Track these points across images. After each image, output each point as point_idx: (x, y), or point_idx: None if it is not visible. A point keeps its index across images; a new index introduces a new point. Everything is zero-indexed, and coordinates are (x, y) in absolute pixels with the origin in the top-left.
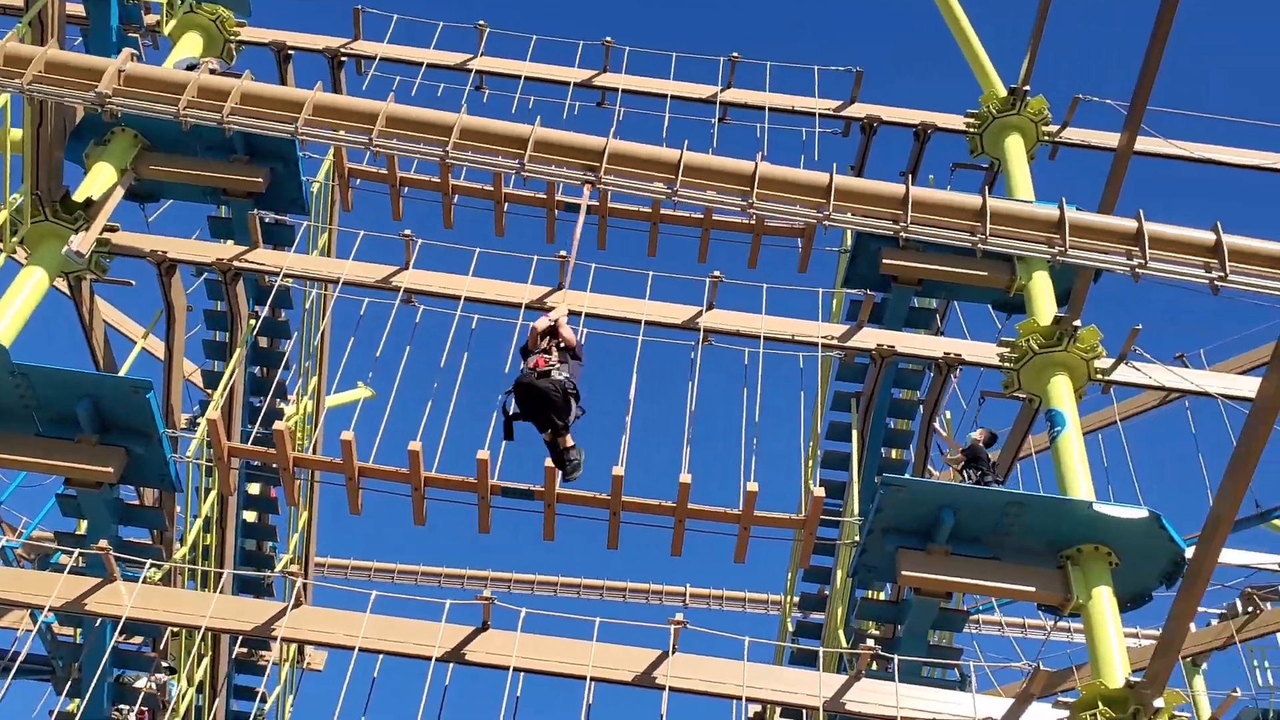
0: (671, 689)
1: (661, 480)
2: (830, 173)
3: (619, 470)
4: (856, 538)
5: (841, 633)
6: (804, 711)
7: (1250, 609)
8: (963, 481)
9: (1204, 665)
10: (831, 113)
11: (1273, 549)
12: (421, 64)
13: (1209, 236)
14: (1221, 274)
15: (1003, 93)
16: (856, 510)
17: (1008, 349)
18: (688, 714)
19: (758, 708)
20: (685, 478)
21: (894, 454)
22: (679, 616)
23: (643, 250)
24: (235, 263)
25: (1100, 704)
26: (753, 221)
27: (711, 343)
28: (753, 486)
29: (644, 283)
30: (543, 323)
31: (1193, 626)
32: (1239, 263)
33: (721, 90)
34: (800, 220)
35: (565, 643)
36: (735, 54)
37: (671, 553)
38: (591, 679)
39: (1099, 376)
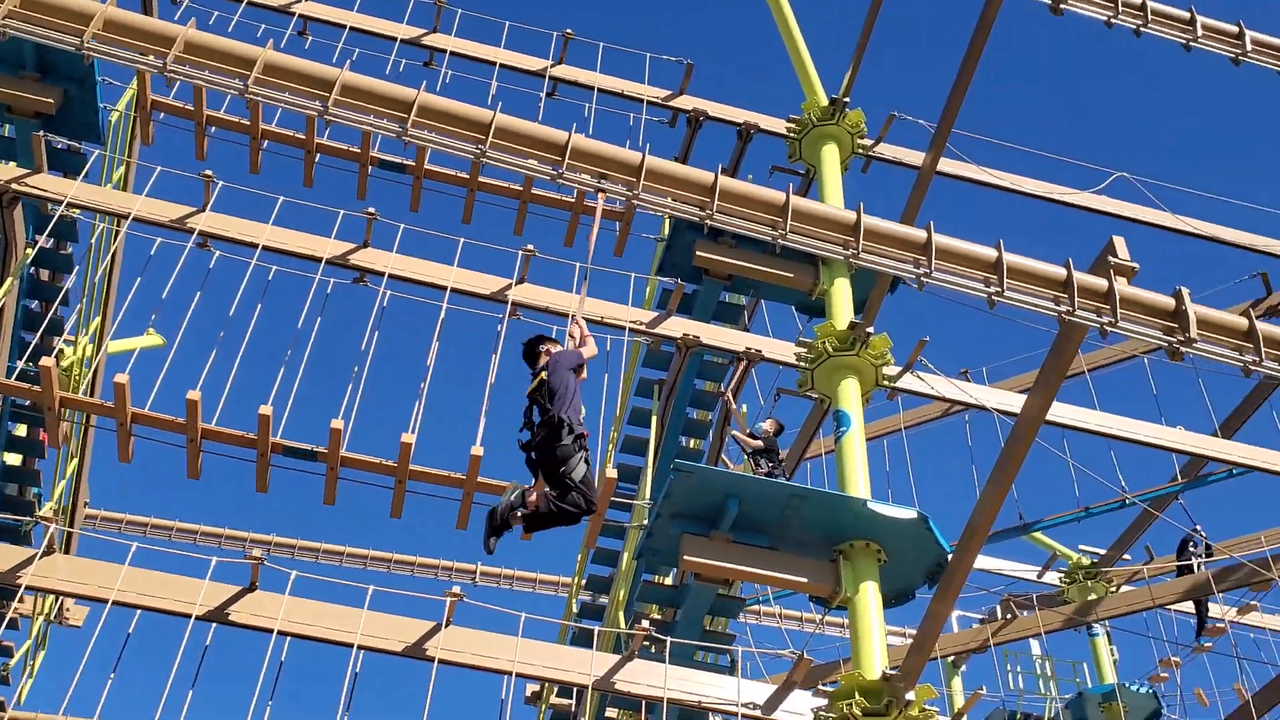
0: (442, 661)
1: (459, 452)
2: (644, 153)
3: (409, 437)
4: (646, 521)
5: (621, 614)
6: (579, 691)
7: (1008, 615)
8: (755, 471)
9: (963, 667)
10: (660, 102)
11: (1033, 560)
12: (242, 0)
13: (990, 253)
14: (999, 289)
15: (824, 102)
16: (649, 495)
17: (805, 349)
18: (467, 691)
19: (536, 686)
20: (409, 438)
21: (692, 443)
22: (456, 589)
23: (459, 217)
24: (14, 185)
25: (857, 694)
26: (571, 199)
27: (520, 317)
28: (477, 450)
29: (454, 249)
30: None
31: (956, 628)
32: (1016, 280)
33: (552, 65)
34: (611, 196)
35: (334, 609)
36: (569, 30)
37: (391, 514)
38: (359, 647)
39: (886, 382)
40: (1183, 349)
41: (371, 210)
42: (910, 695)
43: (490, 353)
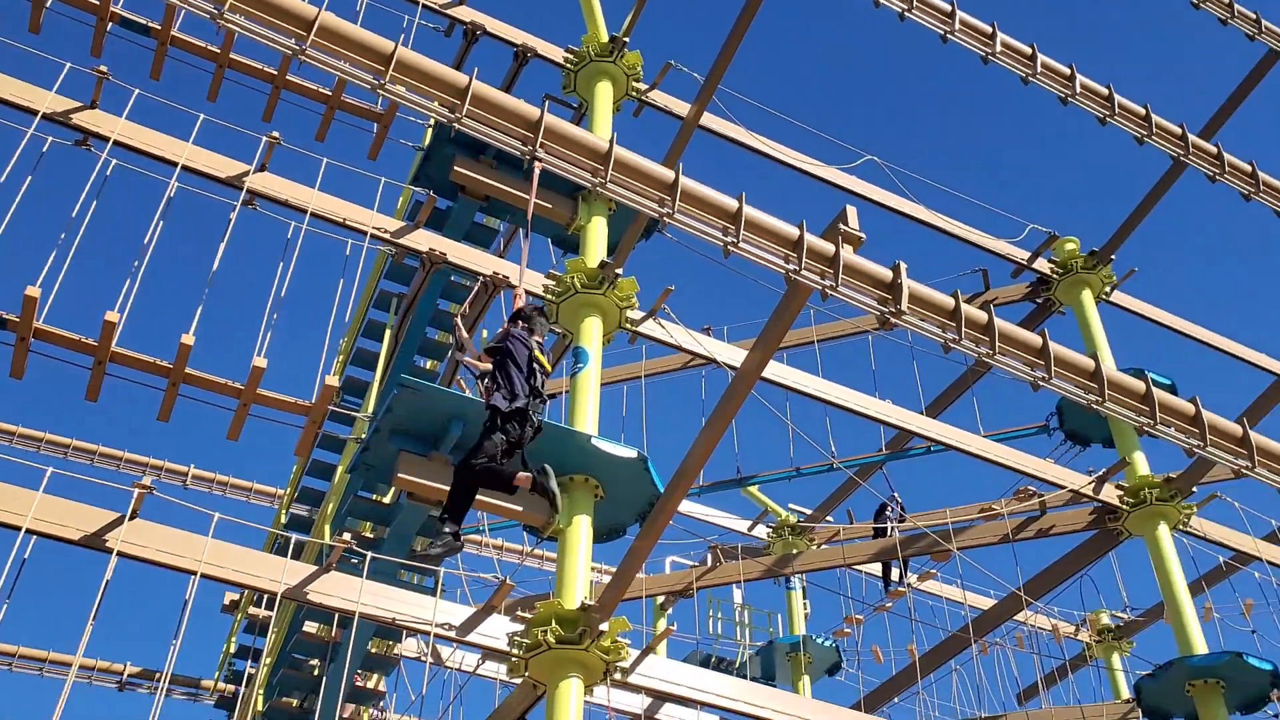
0: (121, 554)
1: (172, 336)
2: (396, 42)
3: (113, 316)
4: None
5: (328, 528)
6: (277, 601)
7: (715, 562)
8: (485, 395)
9: (670, 610)
10: (437, 7)
11: (748, 514)
12: None
13: (732, 203)
14: (735, 240)
15: (604, 39)
16: (373, 410)
17: (553, 282)
18: (155, 591)
19: (235, 595)
20: (188, 339)
21: (429, 364)
22: (146, 480)
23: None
24: None
25: (554, 622)
26: (329, 91)
27: (256, 206)
28: (260, 362)
29: (193, 124)
30: None
31: (669, 571)
32: (752, 234)
33: None
34: (353, 80)
35: (4, 488)
36: None
37: (159, 417)
38: (28, 530)
39: (628, 325)
40: (893, 319)
41: (103, 69)
42: (604, 626)
43: (217, 241)
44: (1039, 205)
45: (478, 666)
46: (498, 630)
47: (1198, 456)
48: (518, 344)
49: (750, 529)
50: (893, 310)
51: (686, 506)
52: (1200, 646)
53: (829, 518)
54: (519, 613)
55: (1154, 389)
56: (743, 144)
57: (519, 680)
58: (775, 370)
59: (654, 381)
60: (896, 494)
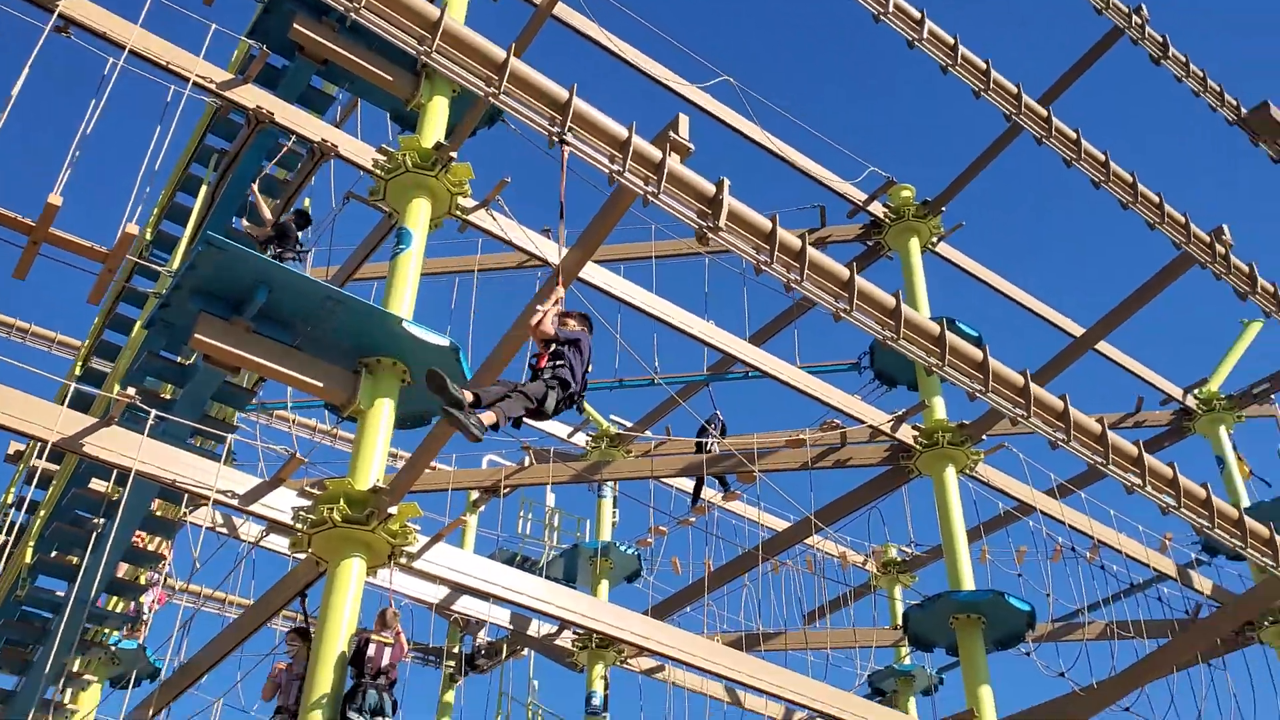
0: None
1: None
2: None
3: None
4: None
5: (118, 383)
6: (58, 452)
7: (528, 464)
8: (264, 255)
9: (483, 507)
10: None
11: (571, 420)
12: None
13: (562, 93)
14: (562, 131)
15: None
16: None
17: (385, 158)
18: None
19: (21, 445)
20: None
21: (246, 224)
22: None
23: None
24: None
25: (342, 500)
26: None
27: (69, 35)
28: (55, 199)
29: None
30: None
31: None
32: (581, 128)
33: None
34: None
35: None
36: None
37: None
38: None
39: (459, 213)
40: (710, 234)
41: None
42: (393, 509)
43: (17, 69)
44: (882, 150)
45: (260, 539)
46: (284, 504)
47: (989, 407)
48: (585, 343)
49: (570, 436)
50: (711, 225)
51: None
52: (970, 585)
53: (648, 432)
54: (306, 488)
55: (946, 332)
56: (598, 42)
57: (302, 556)
58: (606, 279)
59: (489, 281)
60: (719, 412)
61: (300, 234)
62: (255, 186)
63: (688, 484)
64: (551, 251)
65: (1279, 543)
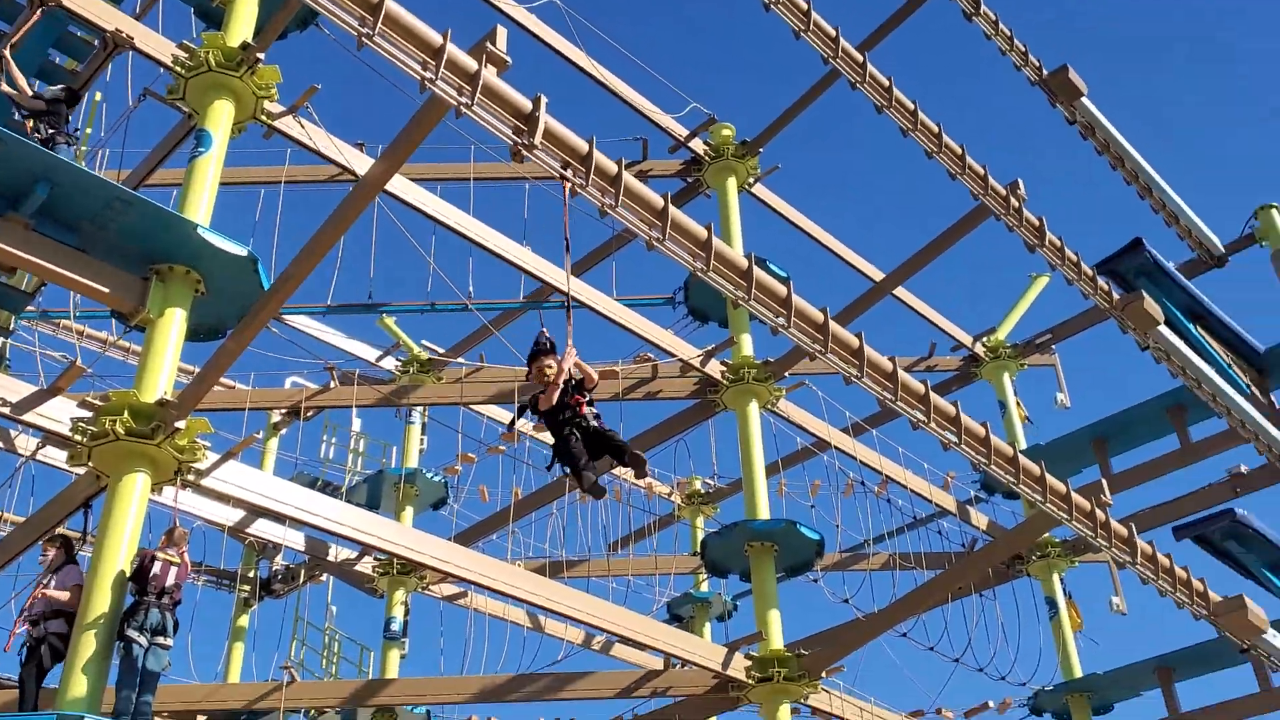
0: None
1: None
2: None
3: None
4: None
5: None
6: None
7: (332, 386)
8: (33, 133)
9: (284, 430)
10: None
11: (381, 343)
12: None
13: None
14: (371, 31)
15: None
16: None
17: (186, 55)
18: None
19: None
20: None
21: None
22: None
23: None
24: None
25: (125, 412)
26: None
27: None
28: None
29: None
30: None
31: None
32: (393, 30)
33: None
34: None
35: None
36: None
37: None
38: None
39: (264, 117)
40: (524, 151)
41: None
42: (181, 423)
43: None
44: (707, 87)
45: (37, 451)
46: (61, 414)
47: (792, 346)
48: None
49: (379, 360)
50: (526, 143)
51: (314, 328)
52: (766, 515)
53: (461, 359)
54: (88, 399)
55: (754, 267)
56: None
57: (82, 470)
58: (421, 196)
59: (299, 195)
60: (546, 329)
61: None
62: (8, 56)
63: (499, 412)
64: (359, 162)
65: (1049, 481)
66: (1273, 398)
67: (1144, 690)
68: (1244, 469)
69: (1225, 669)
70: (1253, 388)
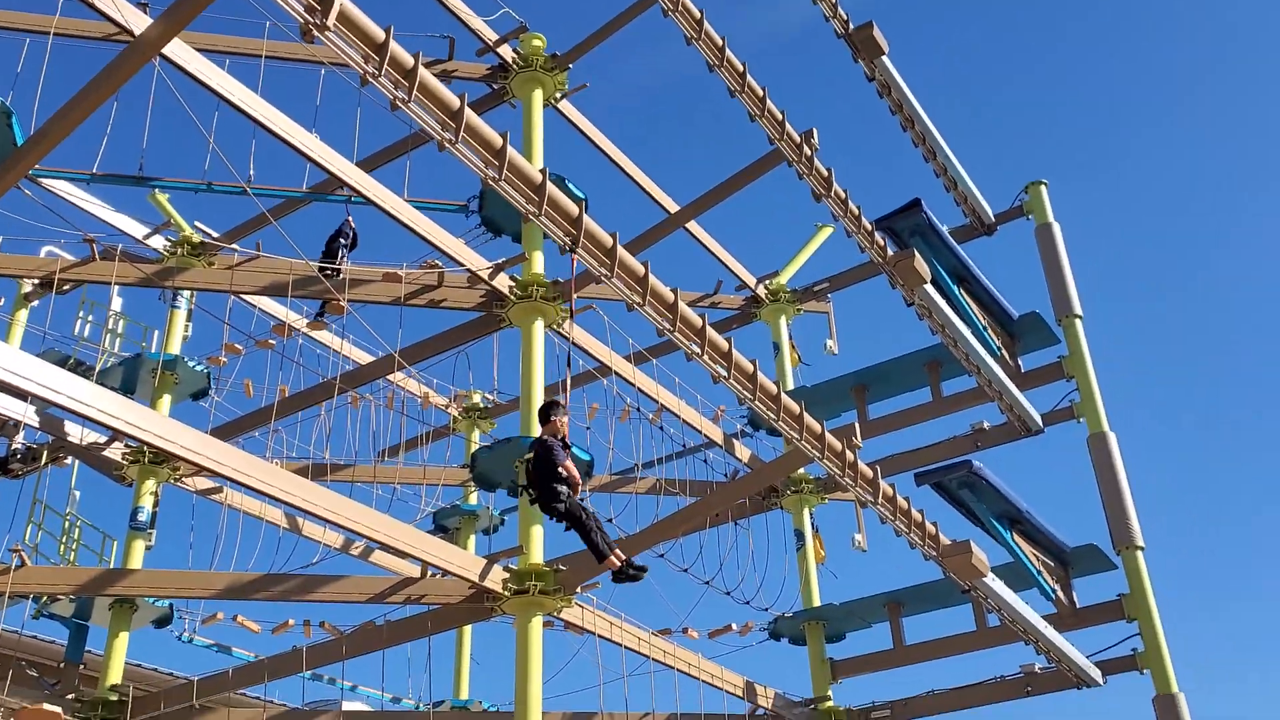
0: None
1: None
2: None
3: None
4: None
5: None
6: None
7: (92, 259)
8: None
9: (35, 302)
10: None
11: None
12: None
13: None
14: None
15: None
16: None
17: None
18: None
19: None
20: None
21: None
22: None
23: None
24: None
25: None
26: None
27: None
28: None
29: None
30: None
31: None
32: None
33: None
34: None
35: None
36: None
37: None
38: None
39: None
40: (315, 31)
41: None
42: None
43: None
44: None
45: None
46: None
47: (583, 269)
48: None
49: (146, 237)
50: (318, 23)
51: (77, 196)
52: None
53: (235, 245)
54: None
55: (548, 183)
56: None
57: None
58: (204, 68)
59: (73, 50)
60: (352, 219)
61: None
62: None
63: (271, 304)
64: (141, 26)
65: (806, 420)
66: (1020, 361)
67: (874, 622)
68: (986, 425)
69: (948, 608)
70: (1003, 350)
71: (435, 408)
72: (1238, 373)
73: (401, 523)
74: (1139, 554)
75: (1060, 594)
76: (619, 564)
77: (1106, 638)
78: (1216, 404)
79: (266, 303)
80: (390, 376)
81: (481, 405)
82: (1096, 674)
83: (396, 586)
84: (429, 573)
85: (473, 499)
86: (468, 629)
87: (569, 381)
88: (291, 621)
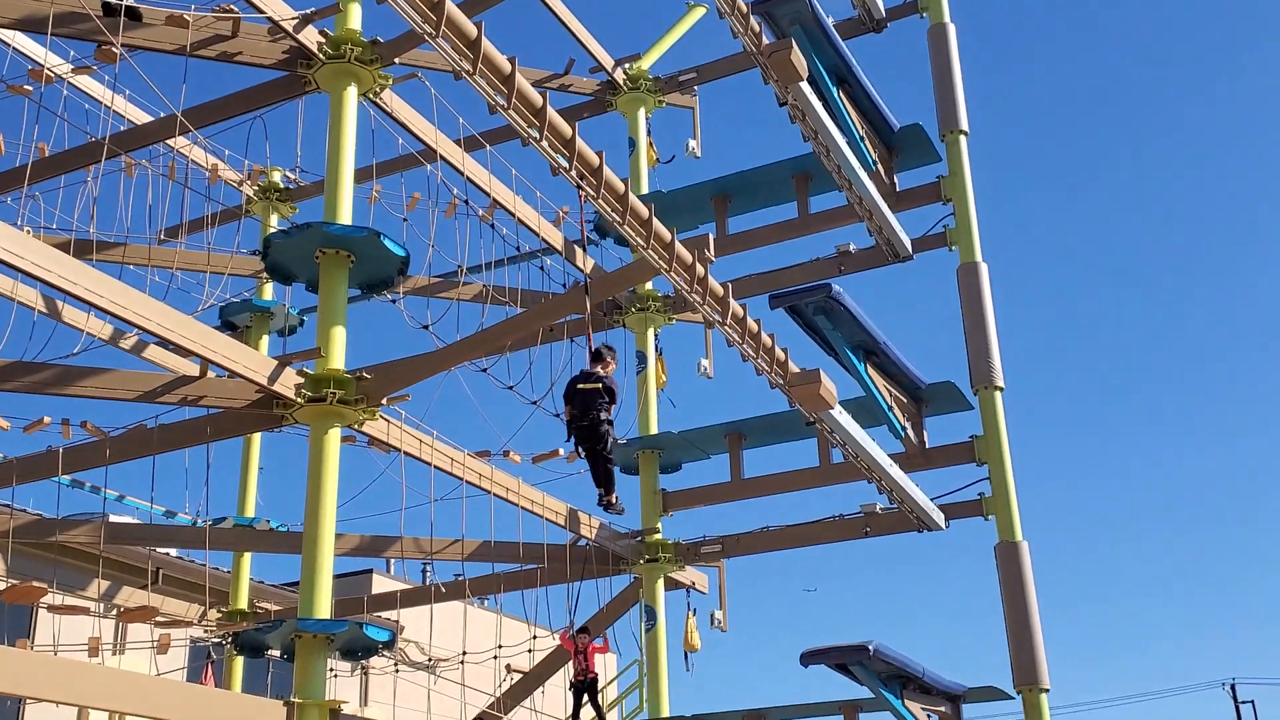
0: None
1: None
2: None
3: None
4: None
5: None
6: None
7: None
8: None
9: None
10: None
11: None
12: None
13: None
14: None
15: None
16: None
17: None
18: None
19: None
20: None
21: None
22: None
23: None
24: None
25: None
26: None
27: None
28: None
29: None
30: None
31: None
32: None
33: None
34: None
35: None
36: None
37: None
38: None
39: None
40: None
41: None
42: None
43: None
44: None
45: None
46: None
47: (408, 28)
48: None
49: None
50: None
51: None
52: (347, 221)
53: None
54: None
55: None
56: None
57: None
58: None
59: None
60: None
61: None
62: None
63: (28, 43)
64: None
65: (655, 226)
66: (896, 179)
67: (713, 454)
68: (852, 248)
69: (791, 441)
70: (879, 166)
71: (226, 184)
72: (1121, 213)
73: (180, 313)
74: (997, 395)
75: (910, 433)
76: (618, 508)
77: (955, 480)
78: (1088, 248)
79: (22, 40)
80: (173, 141)
81: (281, 185)
82: (939, 517)
83: (171, 385)
84: (210, 373)
85: (268, 294)
86: (256, 439)
87: (590, 324)
88: (47, 419)
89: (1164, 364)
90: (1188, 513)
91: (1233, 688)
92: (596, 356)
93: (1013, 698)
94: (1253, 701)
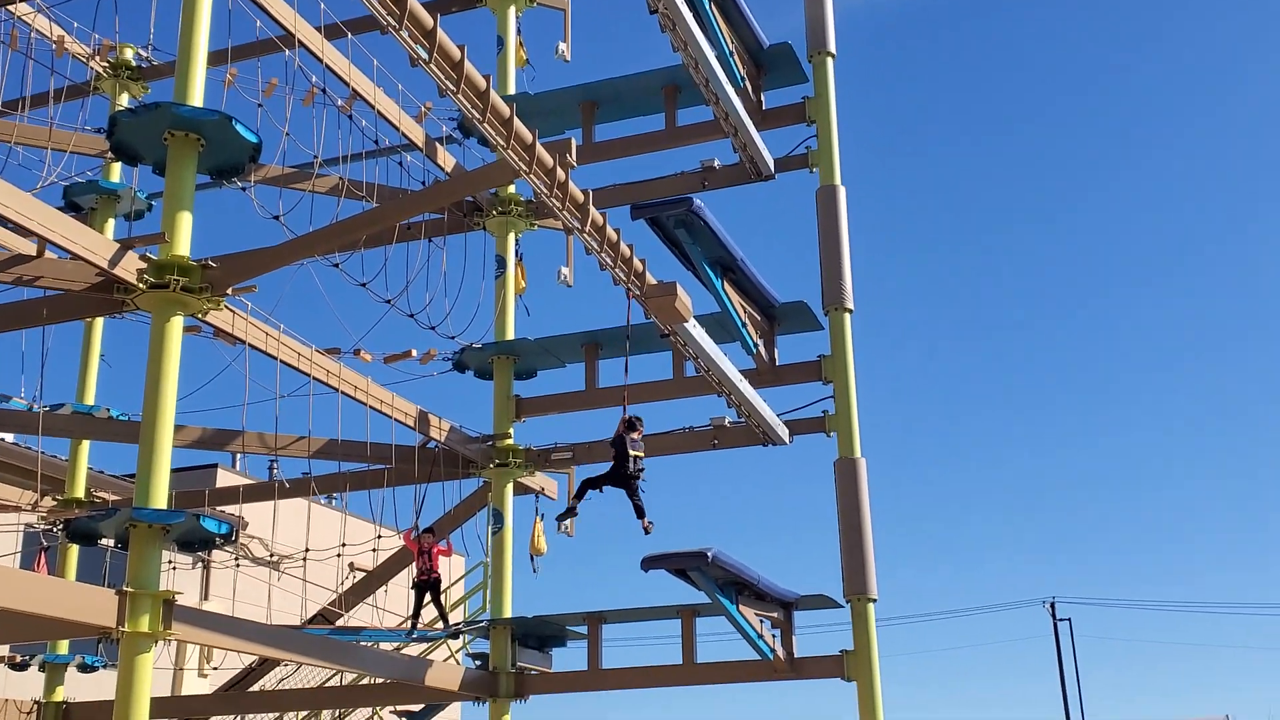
0: None
1: None
2: None
3: None
4: None
5: None
6: None
7: None
8: None
9: None
10: None
11: None
12: None
13: None
14: None
15: None
16: None
17: None
18: None
19: None
20: None
21: None
22: None
23: None
24: None
25: None
26: None
27: None
28: None
29: None
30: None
31: None
32: None
33: None
34: None
35: None
36: None
37: None
38: None
39: None
40: None
41: None
42: None
43: None
44: None
45: None
46: None
47: None
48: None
49: None
50: None
51: None
52: (199, 103)
53: None
54: None
55: None
56: None
57: None
58: None
59: None
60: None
61: None
62: None
63: None
64: None
65: (516, 126)
66: (763, 98)
67: (569, 362)
68: (716, 163)
69: (646, 353)
70: (747, 82)
71: (74, 58)
72: (987, 149)
73: (18, 190)
74: (846, 316)
75: (762, 349)
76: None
77: (802, 398)
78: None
79: None
80: (13, 8)
81: (133, 64)
82: (784, 432)
83: (6, 264)
84: (49, 253)
85: (115, 176)
86: (98, 325)
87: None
88: None
89: (1006, 296)
90: (1016, 436)
91: (1052, 606)
92: (629, 426)
93: (842, 606)
94: (1069, 619)
